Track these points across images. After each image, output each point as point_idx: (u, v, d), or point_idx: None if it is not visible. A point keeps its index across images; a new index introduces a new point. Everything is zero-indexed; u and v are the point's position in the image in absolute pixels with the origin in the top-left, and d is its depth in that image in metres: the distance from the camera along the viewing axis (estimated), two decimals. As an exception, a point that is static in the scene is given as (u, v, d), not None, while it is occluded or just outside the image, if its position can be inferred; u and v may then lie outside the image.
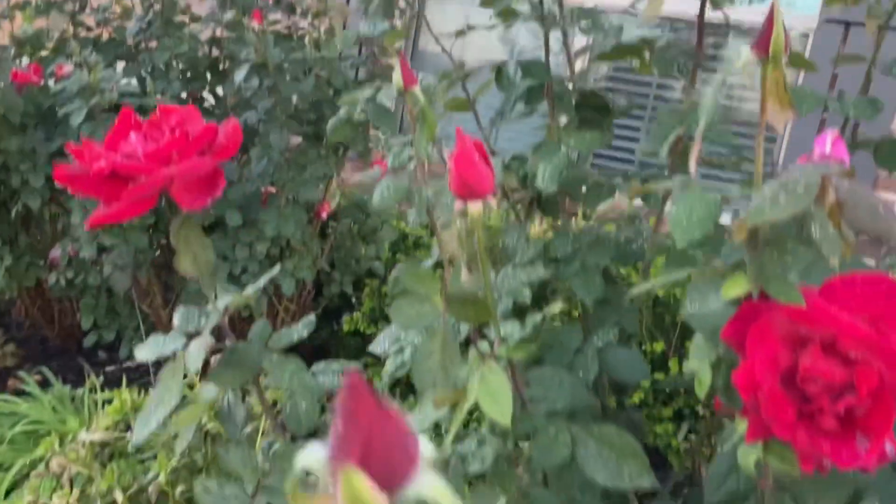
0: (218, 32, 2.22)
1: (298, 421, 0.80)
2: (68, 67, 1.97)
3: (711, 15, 0.95)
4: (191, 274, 0.73)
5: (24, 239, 2.26)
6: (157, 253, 2.31)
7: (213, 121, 0.72)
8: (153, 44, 2.14)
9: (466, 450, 0.86)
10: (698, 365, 0.59)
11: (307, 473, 0.26)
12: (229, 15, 2.07)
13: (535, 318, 0.72)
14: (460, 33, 1.14)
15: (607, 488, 0.68)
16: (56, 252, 2.20)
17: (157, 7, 2.12)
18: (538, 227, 1.36)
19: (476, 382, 0.64)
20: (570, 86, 1.05)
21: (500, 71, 0.99)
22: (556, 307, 0.69)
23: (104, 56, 2.02)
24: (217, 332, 0.75)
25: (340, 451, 0.23)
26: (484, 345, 0.70)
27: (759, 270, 0.54)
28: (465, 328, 0.81)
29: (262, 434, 1.48)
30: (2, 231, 2.19)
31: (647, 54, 0.97)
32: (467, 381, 0.67)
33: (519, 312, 0.81)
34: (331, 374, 0.80)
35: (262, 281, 0.77)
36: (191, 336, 0.75)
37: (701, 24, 0.95)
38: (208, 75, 2.20)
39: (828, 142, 0.71)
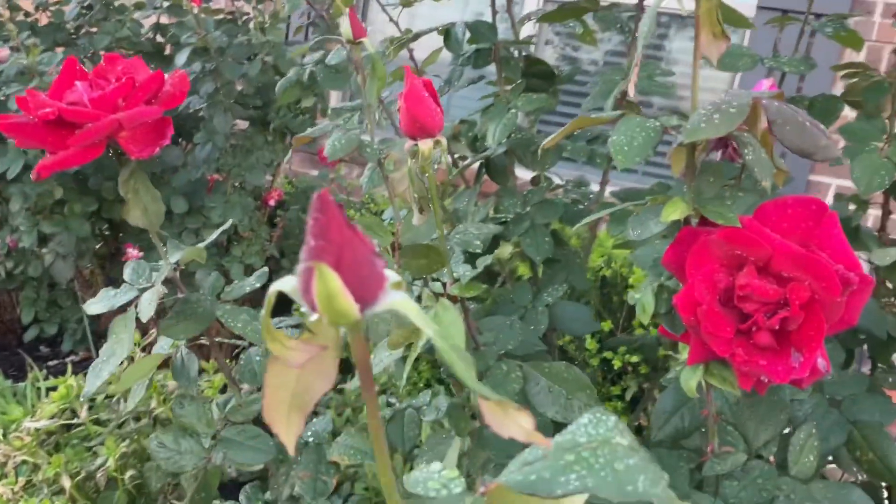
0: (164, 19, 2.19)
1: (253, 375, 0.80)
2: (4, 51, 1.92)
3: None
4: (141, 225, 0.72)
5: (-40, 230, 2.20)
6: (101, 243, 2.28)
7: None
8: (95, 29, 2.10)
9: (421, 402, 0.88)
10: (642, 293, 0.61)
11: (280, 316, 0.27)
12: (168, -1, 2.05)
13: (485, 259, 0.73)
14: (407, 3, 1.16)
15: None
16: (-6, 242, 2.14)
17: (98, -9, 2.09)
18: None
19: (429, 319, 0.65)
20: (516, 52, 1.07)
21: (448, 33, 1.00)
22: (506, 250, 0.71)
23: (42, 40, 1.98)
24: (169, 287, 0.75)
25: (314, 257, 0.24)
26: (436, 285, 0.72)
27: (697, 194, 0.56)
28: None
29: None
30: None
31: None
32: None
33: (470, 258, 0.82)
34: (285, 327, 0.81)
35: (213, 236, 0.77)
36: (143, 290, 0.75)
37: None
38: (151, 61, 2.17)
39: (764, 86, 0.76)
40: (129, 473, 1.54)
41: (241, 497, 0.81)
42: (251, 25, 2.12)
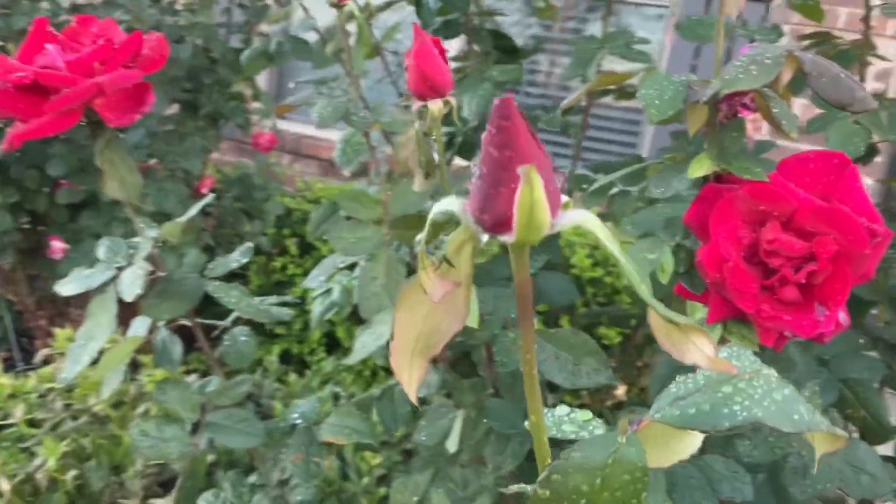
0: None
1: (240, 355, 0.76)
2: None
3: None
4: (118, 197, 0.67)
5: None
6: (21, 237, 2.14)
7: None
8: (9, 11, 1.97)
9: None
10: (658, 255, 0.61)
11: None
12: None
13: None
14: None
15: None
16: None
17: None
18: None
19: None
20: (484, 25, 1.05)
21: (419, 2, 0.97)
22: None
23: (-48, 20, 1.85)
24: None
25: (506, 166, 0.22)
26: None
27: (721, 150, 0.56)
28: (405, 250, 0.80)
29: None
30: None
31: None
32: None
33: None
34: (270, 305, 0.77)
35: (195, 209, 0.73)
36: (121, 269, 0.70)
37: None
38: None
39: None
40: (70, 474, 1.46)
41: (225, 483, 0.77)
42: (179, 5, 2.03)
